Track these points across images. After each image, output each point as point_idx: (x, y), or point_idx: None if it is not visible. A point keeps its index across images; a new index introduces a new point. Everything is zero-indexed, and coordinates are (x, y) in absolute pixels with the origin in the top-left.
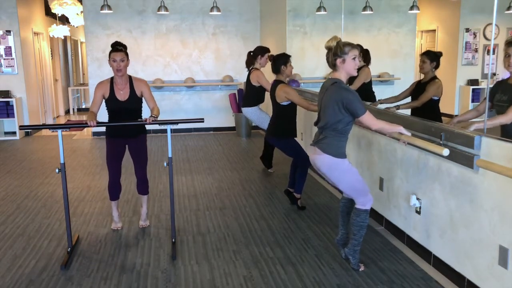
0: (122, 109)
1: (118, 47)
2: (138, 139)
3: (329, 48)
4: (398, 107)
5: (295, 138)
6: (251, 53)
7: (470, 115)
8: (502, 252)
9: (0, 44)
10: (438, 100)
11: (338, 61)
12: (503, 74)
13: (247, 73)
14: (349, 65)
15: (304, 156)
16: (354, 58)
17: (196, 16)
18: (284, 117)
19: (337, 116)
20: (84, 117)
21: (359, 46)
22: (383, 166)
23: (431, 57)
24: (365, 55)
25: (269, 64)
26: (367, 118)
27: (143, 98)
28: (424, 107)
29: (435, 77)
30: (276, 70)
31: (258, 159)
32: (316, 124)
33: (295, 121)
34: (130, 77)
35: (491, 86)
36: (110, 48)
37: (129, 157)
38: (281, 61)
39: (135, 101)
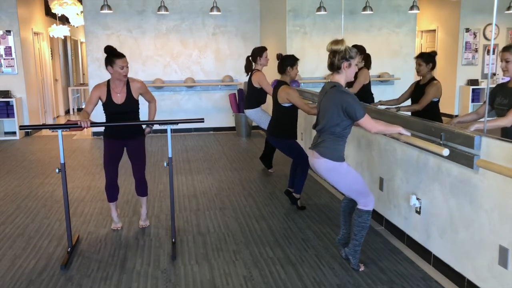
0: (119, 112)
1: (121, 53)
2: (136, 141)
3: (337, 51)
4: (398, 109)
5: (296, 140)
6: (250, 58)
7: (470, 118)
8: (502, 252)
9: (0, 44)
10: (438, 101)
11: (345, 64)
12: (502, 76)
13: (249, 75)
14: (353, 70)
15: (305, 157)
16: (356, 64)
17: (196, 16)
18: (285, 118)
19: (336, 120)
20: None
21: (362, 48)
22: (383, 166)
23: (426, 59)
24: (366, 60)
25: (272, 63)
26: (366, 121)
27: (139, 98)
28: (424, 109)
29: (433, 79)
30: (282, 70)
31: (258, 159)
32: (314, 127)
33: (296, 123)
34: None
35: (492, 86)
36: None
37: (128, 158)
38: (288, 62)
39: (132, 103)
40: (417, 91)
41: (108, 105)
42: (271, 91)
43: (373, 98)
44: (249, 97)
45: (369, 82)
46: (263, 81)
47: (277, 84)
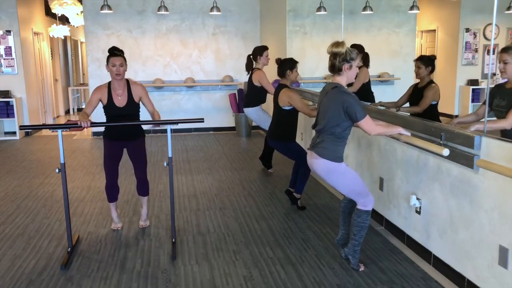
0: (120, 115)
1: (116, 52)
2: (136, 142)
3: (338, 53)
4: (398, 109)
5: (296, 140)
6: (250, 56)
7: (469, 119)
8: (502, 252)
9: (0, 44)
10: (437, 104)
11: (346, 66)
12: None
13: (249, 73)
14: (354, 71)
15: (305, 158)
16: (357, 66)
17: (196, 16)
18: (285, 121)
19: (336, 120)
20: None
21: (361, 47)
22: (383, 166)
23: (426, 62)
24: (365, 58)
25: (271, 64)
26: (366, 123)
27: (140, 103)
28: (423, 112)
29: (431, 82)
30: (281, 74)
31: (258, 159)
32: (314, 127)
33: (296, 126)
34: (127, 81)
35: (491, 87)
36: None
37: (129, 158)
38: (287, 66)
39: (133, 106)
40: (415, 94)
41: (109, 108)
42: (272, 89)
43: (373, 97)
44: (249, 95)
45: (369, 80)
46: (264, 80)
47: (278, 88)
